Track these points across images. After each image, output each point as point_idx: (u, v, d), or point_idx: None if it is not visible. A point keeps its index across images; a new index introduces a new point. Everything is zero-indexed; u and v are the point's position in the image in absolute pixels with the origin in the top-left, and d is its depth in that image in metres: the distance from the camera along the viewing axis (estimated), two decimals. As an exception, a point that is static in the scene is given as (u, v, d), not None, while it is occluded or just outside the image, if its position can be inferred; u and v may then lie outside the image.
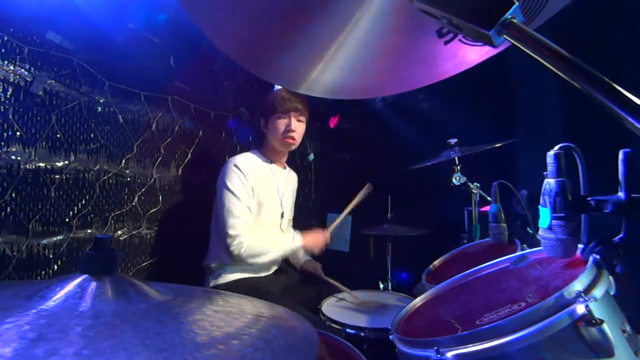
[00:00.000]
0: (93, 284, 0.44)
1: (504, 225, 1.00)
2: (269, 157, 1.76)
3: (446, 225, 2.02)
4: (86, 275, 0.45)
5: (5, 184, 1.20)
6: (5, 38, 1.21)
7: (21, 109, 1.25)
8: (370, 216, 2.13)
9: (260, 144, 1.81)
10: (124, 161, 1.58)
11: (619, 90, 0.32)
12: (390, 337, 0.75)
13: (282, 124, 1.68)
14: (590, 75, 0.33)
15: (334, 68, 0.63)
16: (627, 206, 0.45)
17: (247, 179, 1.59)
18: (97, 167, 1.48)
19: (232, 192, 1.55)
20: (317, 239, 1.74)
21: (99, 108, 1.50)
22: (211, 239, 1.68)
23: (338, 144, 2.84)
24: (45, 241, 1.31)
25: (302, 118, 1.72)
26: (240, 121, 2.25)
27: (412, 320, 0.83)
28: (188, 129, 1.91)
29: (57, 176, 1.34)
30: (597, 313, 0.53)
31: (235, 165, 1.59)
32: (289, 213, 1.87)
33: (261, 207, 1.65)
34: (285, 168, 1.86)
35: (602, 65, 0.35)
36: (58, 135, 1.35)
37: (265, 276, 1.68)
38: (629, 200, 0.45)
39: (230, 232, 1.50)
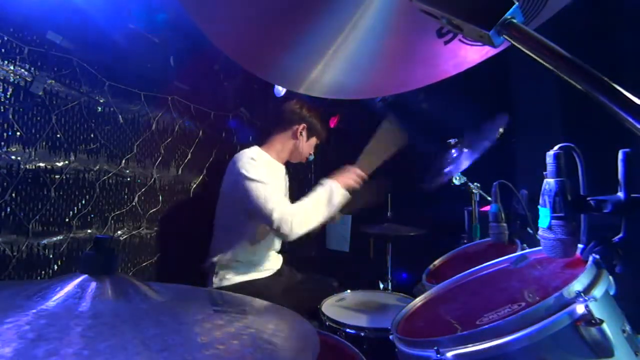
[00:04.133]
0: (93, 284, 0.44)
1: (504, 225, 1.00)
2: (277, 156, 1.77)
3: (446, 225, 2.02)
4: (86, 275, 0.45)
5: (5, 184, 1.20)
6: (5, 38, 1.21)
7: (21, 109, 1.25)
8: (370, 216, 2.13)
9: (262, 142, 1.79)
10: (124, 161, 1.58)
11: (619, 90, 0.32)
12: (390, 337, 0.75)
13: (312, 148, 1.81)
14: (590, 75, 0.33)
15: (334, 68, 0.63)
16: (627, 206, 0.45)
17: (263, 172, 1.57)
18: (97, 167, 1.48)
19: (255, 180, 1.51)
20: (348, 175, 1.66)
21: (99, 108, 1.50)
22: (215, 238, 1.67)
23: (338, 144, 2.84)
24: (45, 241, 1.31)
25: None
26: (240, 121, 2.25)
27: (412, 320, 0.83)
28: (188, 129, 1.90)
29: (57, 176, 1.34)
30: (597, 313, 0.53)
31: (252, 158, 1.58)
32: None
33: None
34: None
35: (602, 65, 0.35)
36: (58, 135, 1.35)
37: (266, 278, 1.68)
38: (629, 200, 0.45)
39: (274, 215, 1.44)
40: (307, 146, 1.77)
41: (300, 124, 1.72)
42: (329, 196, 1.57)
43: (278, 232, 1.46)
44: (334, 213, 1.59)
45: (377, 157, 1.72)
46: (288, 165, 1.89)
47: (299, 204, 1.54)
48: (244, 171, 1.53)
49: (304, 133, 1.72)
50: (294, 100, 1.75)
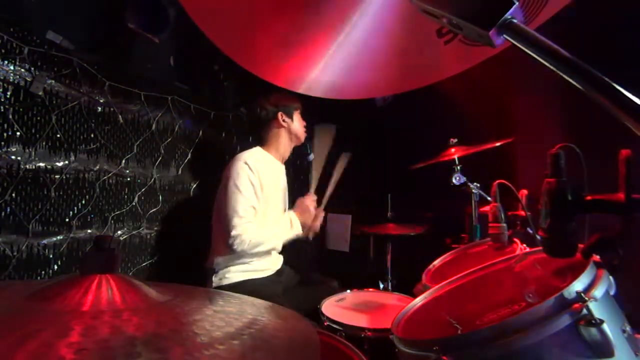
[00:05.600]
0: (93, 284, 0.44)
1: (504, 225, 1.00)
2: (277, 154, 1.77)
3: (446, 225, 2.02)
4: (86, 275, 0.45)
5: (5, 184, 1.20)
6: (5, 38, 1.21)
7: (21, 109, 1.25)
8: (370, 216, 2.13)
9: (262, 142, 1.79)
10: (124, 161, 1.58)
11: (619, 90, 0.32)
12: (391, 337, 0.75)
13: (302, 120, 1.79)
14: (590, 75, 0.33)
15: (334, 68, 0.63)
16: (627, 206, 0.45)
17: (255, 177, 1.58)
18: (97, 167, 1.48)
19: (239, 189, 1.54)
20: (306, 212, 1.77)
21: (99, 108, 1.50)
22: (214, 238, 1.68)
23: (338, 143, 2.84)
24: (45, 241, 1.31)
25: None
26: (240, 121, 2.25)
27: (412, 320, 0.83)
28: (188, 129, 1.91)
29: (57, 176, 1.34)
30: (597, 313, 0.53)
31: (245, 163, 1.58)
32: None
33: (268, 204, 1.65)
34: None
35: (602, 65, 0.35)
36: (58, 135, 1.35)
37: (267, 277, 1.68)
38: (629, 200, 0.44)
39: (233, 232, 1.49)
40: (297, 124, 1.78)
41: (277, 114, 1.73)
42: (289, 234, 1.68)
43: (231, 246, 1.50)
44: (286, 242, 1.70)
45: (333, 188, 1.89)
46: (288, 165, 1.89)
47: (263, 231, 1.59)
48: (234, 173, 1.56)
49: (286, 119, 1.74)
50: (257, 104, 1.76)
